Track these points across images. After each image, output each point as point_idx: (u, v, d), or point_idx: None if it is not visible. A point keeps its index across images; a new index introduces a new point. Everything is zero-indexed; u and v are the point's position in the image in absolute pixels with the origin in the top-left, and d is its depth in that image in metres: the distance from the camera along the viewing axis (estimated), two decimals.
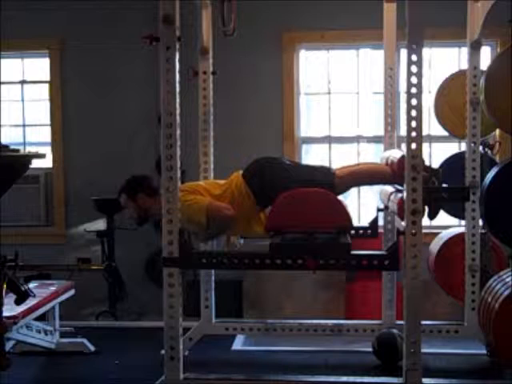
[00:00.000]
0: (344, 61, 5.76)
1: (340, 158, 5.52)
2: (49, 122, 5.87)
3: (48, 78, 5.86)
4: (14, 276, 3.35)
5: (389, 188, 3.77)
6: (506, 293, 3.20)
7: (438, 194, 3.76)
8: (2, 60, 5.76)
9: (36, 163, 3.76)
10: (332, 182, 3.53)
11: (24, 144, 5.94)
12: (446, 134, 4.70)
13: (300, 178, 3.55)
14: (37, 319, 4.03)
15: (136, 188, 3.83)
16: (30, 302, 3.67)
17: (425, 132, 4.14)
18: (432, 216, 3.71)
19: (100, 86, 5.76)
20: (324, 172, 3.64)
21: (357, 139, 5.69)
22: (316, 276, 4.74)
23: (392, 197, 3.64)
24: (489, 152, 4.22)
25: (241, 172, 3.73)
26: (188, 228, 3.57)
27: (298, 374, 3.68)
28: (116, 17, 5.65)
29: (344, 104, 5.76)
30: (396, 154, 3.67)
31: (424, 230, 3.09)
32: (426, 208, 3.75)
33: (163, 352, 3.25)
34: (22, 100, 6.01)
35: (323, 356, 4.29)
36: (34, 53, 5.92)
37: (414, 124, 3.02)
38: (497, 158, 4.55)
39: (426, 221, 3.22)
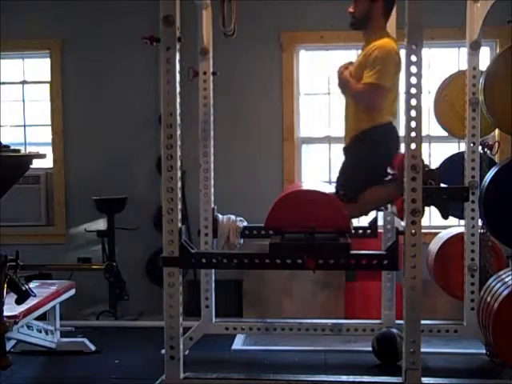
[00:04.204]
0: (344, 61, 5.75)
1: (340, 158, 5.51)
2: (49, 122, 5.87)
3: (49, 79, 5.86)
4: (14, 275, 3.36)
5: None
6: (506, 292, 3.21)
7: (438, 195, 3.79)
8: (3, 60, 5.78)
9: (37, 163, 3.78)
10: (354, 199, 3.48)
11: (25, 144, 5.95)
12: (445, 134, 4.71)
13: (351, 178, 3.50)
14: (37, 319, 4.04)
15: None
16: (31, 302, 3.67)
17: (424, 132, 4.15)
18: (445, 215, 3.71)
19: (100, 86, 5.76)
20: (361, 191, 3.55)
21: None
22: (316, 276, 4.74)
23: None
24: (488, 152, 4.22)
25: (388, 120, 3.55)
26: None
27: (297, 373, 3.68)
28: (116, 17, 5.66)
29: (344, 104, 5.75)
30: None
31: (423, 230, 3.11)
32: (436, 209, 3.77)
33: (163, 351, 3.26)
34: (23, 100, 6.01)
35: (323, 355, 4.30)
36: (34, 53, 5.92)
37: (413, 124, 3.03)
38: (496, 158, 4.55)
39: (425, 221, 3.23)
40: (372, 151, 3.50)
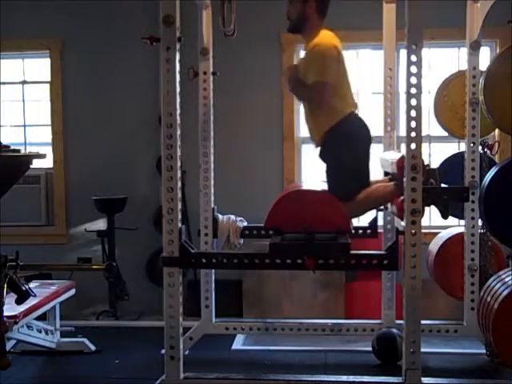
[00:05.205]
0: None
1: None
2: (49, 122, 5.87)
3: (48, 79, 5.86)
4: (14, 275, 3.36)
5: None
6: (506, 292, 3.21)
7: (438, 195, 3.79)
8: (3, 60, 5.78)
9: (37, 163, 3.77)
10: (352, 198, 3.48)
11: (25, 144, 5.95)
12: (445, 134, 4.71)
13: (340, 176, 3.49)
14: (37, 319, 4.04)
15: None
16: (31, 302, 3.68)
17: (424, 132, 4.15)
18: (445, 215, 3.72)
19: (100, 86, 5.76)
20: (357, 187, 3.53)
21: None
22: (316, 276, 4.75)
23: None
24: (488, 152, 4.22)
25: (349, 111, 3.57)
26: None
27: (297, 373, 3.68)
28: (116, 17, 5.66)
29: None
30: (395, 156, 3.65)
31: (423, 230, 3.11)
32: (436, 209, 3.78)
33: (163, 351, 3.26)
34: (23, 100, 6.01)
35: (323, 355, 4.30)
36: (34, 53, 5.92)
37: (413, 124, 3.04)
38: (496, 158, 4.56)
39: (425, 221, 3.23)
40: (346, 144, 3.50)
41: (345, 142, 3.50)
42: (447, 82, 4.55)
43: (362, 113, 5.61)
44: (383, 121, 4.41)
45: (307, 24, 3.60)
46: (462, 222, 4.27)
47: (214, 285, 4.34)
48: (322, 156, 3.63)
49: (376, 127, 5.30)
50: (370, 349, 4.18)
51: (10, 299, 3.47)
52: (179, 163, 3.15)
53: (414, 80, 3.02)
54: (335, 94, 3.50)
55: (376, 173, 4.19)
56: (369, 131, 3.63)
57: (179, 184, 3.17)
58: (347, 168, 3.48)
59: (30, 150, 5.15)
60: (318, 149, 3.66)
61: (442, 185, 3.97)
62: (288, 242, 3.31)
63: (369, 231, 4.33)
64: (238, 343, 4.60)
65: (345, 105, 3.56)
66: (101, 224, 5.63)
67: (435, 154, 5.36)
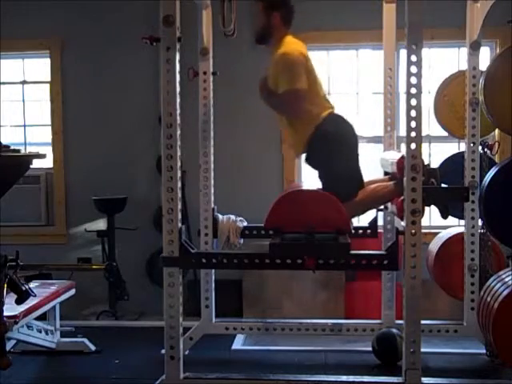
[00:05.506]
0: (344, 61, 5.76)
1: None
2: (49, 122, 5.87)
3: (49, 79, 5.86)
4: (14, 275, 3.36)
5: None
6: (506, 292, 3.21)
7: (438, 195, 3.80)
8: (3, 60, 5.78)
9: (37, 163, 3.78)
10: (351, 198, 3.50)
11: (25, 144, 5.95)
12: (445, 134, 4.71)
13: (334, 178, 3.50)
14: (37, 319, 4.04)
15: (277, 4, 3.63)
16: (31, 302, 3.68)
17: (424, 132, 4.15)
18: (445, 215, 3.72)
19: (100, 86, 5.76)
20: (354, 185, 3.56)
21: None
22: (316, 276, 4.74)
23: None
24: (488, 152, 4.22)
25: (327, 113, 3.58)
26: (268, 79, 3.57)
27: (297, 373, 3.68)
28: (116, 17, 5.66)
29: (344, 104, 5.76)
30: (395, 156, 3.66)
31: (423, 230, 3.11)
32: (436, 209, 3.78)
33: (163, 351, 3.26)
34: (23, 100, 6.01)
35: (323, 355, 4.30)
36: (34, 53, 5.92)
37: (413, 124, 3.04)
38: (496, 158, 4.55)
39: (425, 221, 3.23)
40: (331, 145, 3.51)
41: (329, 143, 3.52)
42: (447, 82, 4.55)
43: (362, 113, 5.69)
44: (383, 121, 4.41)
45: (273, 35, 3.65)
46: (462, 222, 4.27)
47: (214, 285, 4.34)
48: (310, 162, 3.67)
49: (376, 127, 5.34)
50: (370, 349, 4.18)
51: (9, 299, 3.46)
52: (179, 163, 3.15)
53: (413, 80, 3.02)
54: (309, 100, 3.52)
55: (376, 173, 4.20)
56: (352, 128, 3.64)
57: (179, 184, 3.17)
58: (338, 168, 3.50)
59: (30, 150, 5.15)
60: (304, 155, 3.68)
61: (442, 185, 3.98)
62: (288, 241, 3.31)
63: (369, 231, 4.33)
64: (238, 343, 4.60)
65: (321, 108, 3.60)
66: (101, 224, 5.63)
67: (435, 154, 5.37)
